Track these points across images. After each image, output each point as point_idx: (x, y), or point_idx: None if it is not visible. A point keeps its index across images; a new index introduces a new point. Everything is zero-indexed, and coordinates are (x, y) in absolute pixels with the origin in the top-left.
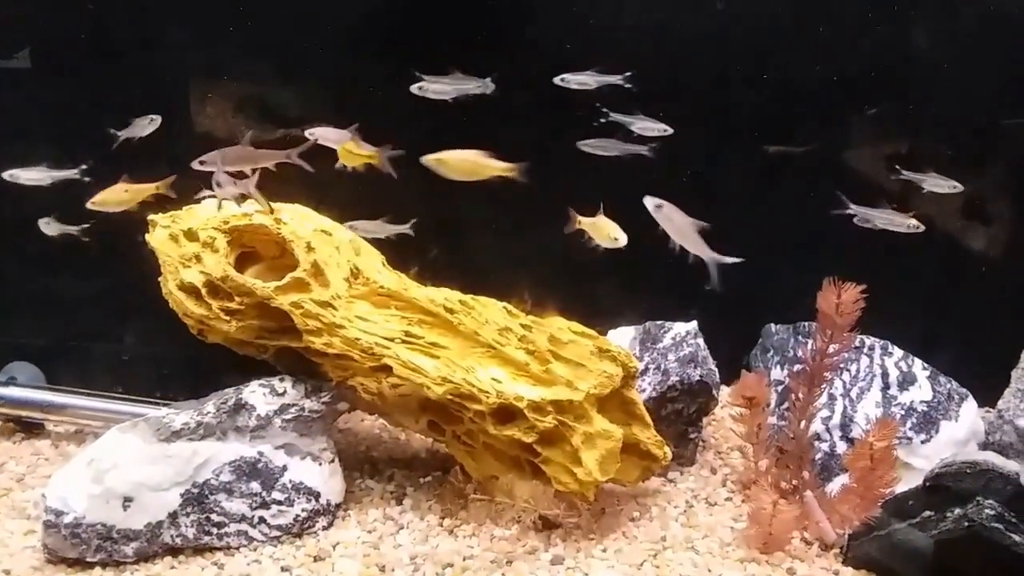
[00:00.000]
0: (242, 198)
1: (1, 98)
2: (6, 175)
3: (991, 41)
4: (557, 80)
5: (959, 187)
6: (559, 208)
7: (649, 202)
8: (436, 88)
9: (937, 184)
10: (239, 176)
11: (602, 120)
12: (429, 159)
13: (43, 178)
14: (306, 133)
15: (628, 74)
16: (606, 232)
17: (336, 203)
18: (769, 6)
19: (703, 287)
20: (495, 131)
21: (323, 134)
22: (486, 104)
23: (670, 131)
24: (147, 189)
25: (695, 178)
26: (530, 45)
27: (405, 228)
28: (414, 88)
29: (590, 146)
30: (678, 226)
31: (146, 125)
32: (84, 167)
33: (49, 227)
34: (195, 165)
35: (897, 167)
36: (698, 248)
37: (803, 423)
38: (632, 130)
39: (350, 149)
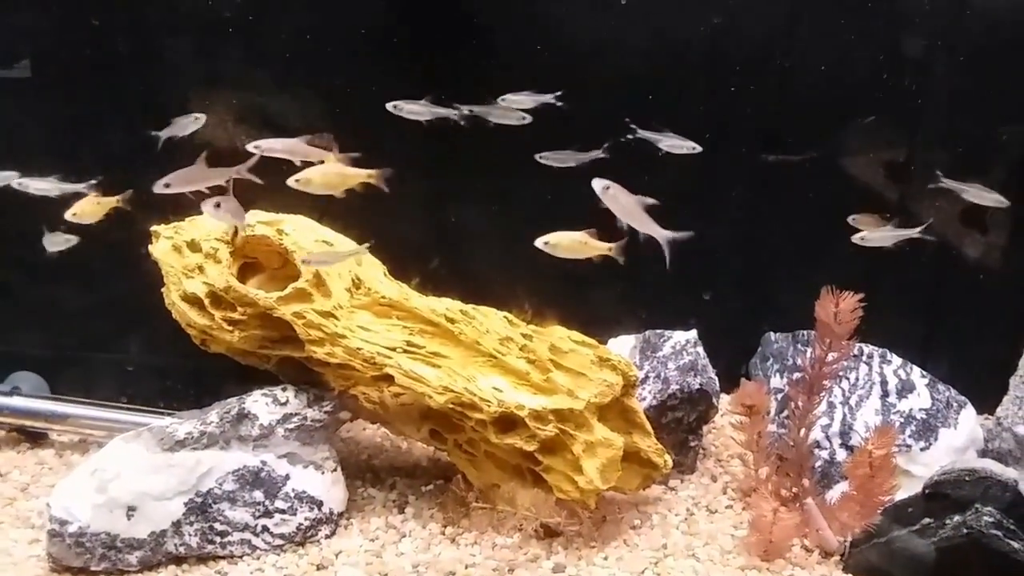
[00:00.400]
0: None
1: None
2: (15, 183)
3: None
4: (499, 100)
5: (1004, 202)
6: (560, 218)
7: (597, 184)
8: (411, 108)
9: (980, 196)
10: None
11: (630, 136)
12: (293, 182)
13: (51, 189)
14: (251, 147)
15: (559, 92)
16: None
17: (339, 215)
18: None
19: (703, 296)
20: (501, 143)
21: (269, 146)
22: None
23: (699, 149)
24: (110, 202)
25: (697, 186)
26: (556, 60)
27: (362, 249)
28: (389, 106)
29: (547, 158)
30: (625, 206)
31: (189, 124)
32: (93, 181)
33: (51, 242)
34: (159, 189)
35: (939, 174)
36: (646, 227)
37: (803, 431)
38: (660, 147)
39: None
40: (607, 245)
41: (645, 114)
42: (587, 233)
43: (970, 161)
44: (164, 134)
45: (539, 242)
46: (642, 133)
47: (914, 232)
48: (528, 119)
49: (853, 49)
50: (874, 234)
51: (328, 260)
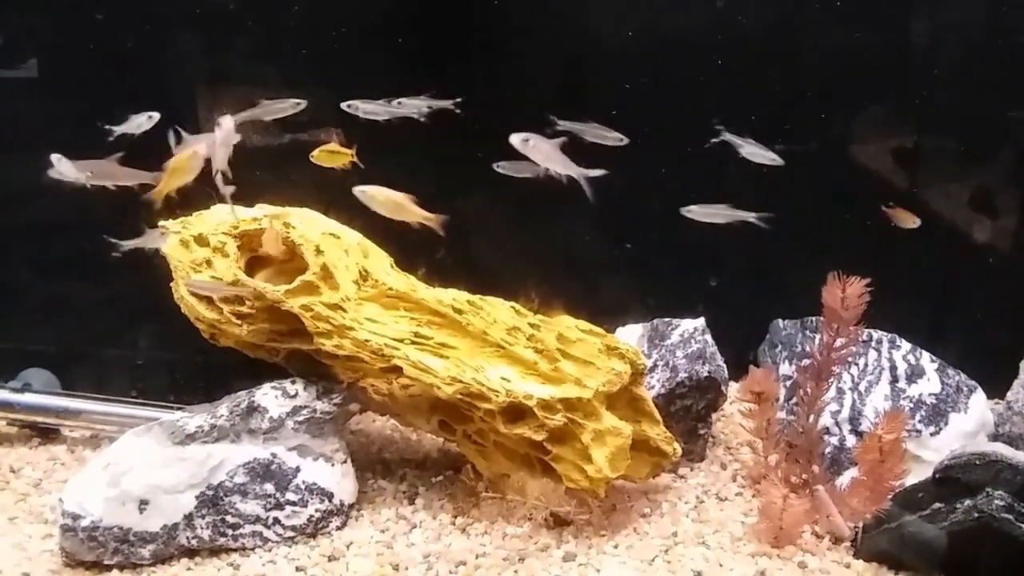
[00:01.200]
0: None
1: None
2: (53, 158)
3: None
4: (394, 103)
5: None
6: (566, 207)
7: (515, 138)
8: (367, 108)
9: None
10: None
11: (715, 140)
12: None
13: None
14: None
15: (459, 99)
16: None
17: (345, 207)
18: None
19: (710, 283)
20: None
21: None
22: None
23: (780, 161)
24: None
25: (709, 174)
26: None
27: (246, 290)
28: (344, 105)
29: (505, 168)
30: (545, 152)
31: (288, 108)
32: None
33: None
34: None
35: None
36: (566, 167)
37: (812, 417)
38: (741, 154)
39: (332, 150)
40: (426, 214)
41: (652, 105)
42: (408, 197)
43: (977, 146)
44: (245, 116)
45: (356, 190)
46: (727, 136)
47: (749, 215)
48: (625, 140)
49: (862, 36)
50: (704, 210)
51: (210, 290)
